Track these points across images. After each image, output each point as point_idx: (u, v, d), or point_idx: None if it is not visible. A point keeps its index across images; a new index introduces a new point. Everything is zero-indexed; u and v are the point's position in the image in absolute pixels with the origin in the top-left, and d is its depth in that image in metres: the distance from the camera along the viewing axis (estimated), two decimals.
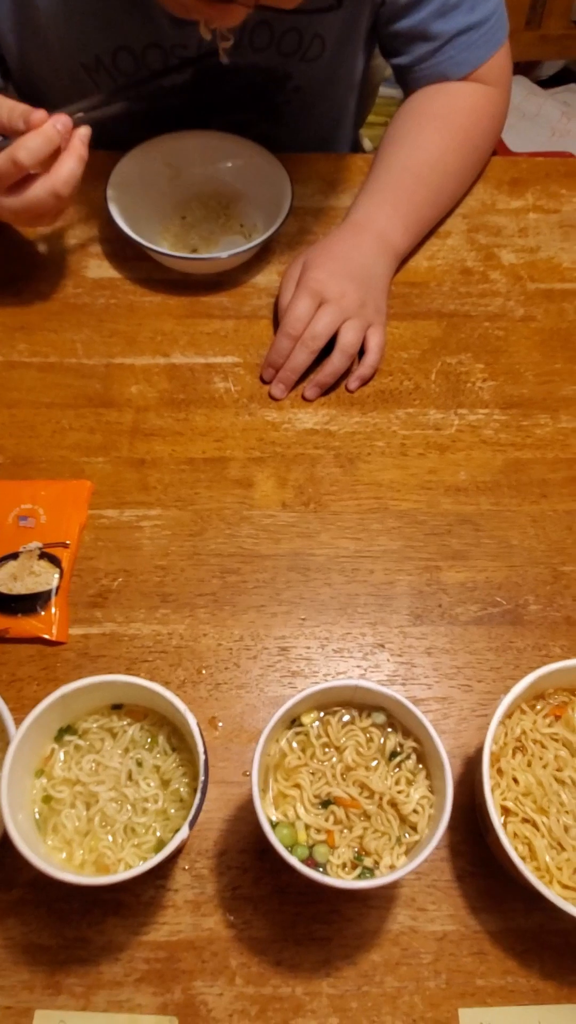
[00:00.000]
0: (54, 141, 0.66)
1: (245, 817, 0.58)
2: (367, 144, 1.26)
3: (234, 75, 0.85)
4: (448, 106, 0.85)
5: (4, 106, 0.66)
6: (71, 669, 0.63)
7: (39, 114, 0.66)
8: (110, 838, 0.50)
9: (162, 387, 0.77)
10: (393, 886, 0.56)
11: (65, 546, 0.67)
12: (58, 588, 0.65)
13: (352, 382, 0.77)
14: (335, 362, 0.75)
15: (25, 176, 0.67)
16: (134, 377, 0.77)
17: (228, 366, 0.78)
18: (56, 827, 0.51)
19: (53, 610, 0.64)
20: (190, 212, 0.87)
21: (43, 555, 0.66)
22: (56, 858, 0.50)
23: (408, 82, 0.88)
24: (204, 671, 0.63)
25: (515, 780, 0.53)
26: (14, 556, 0.66)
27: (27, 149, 0.65)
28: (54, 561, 0.66)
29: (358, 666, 0.64)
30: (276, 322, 0.80)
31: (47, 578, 0.65)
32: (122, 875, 0.46)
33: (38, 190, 0.67)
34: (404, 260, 0.84)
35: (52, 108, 0.78)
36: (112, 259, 0.84)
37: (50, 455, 0.73)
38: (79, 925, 0.54)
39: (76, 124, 0.69)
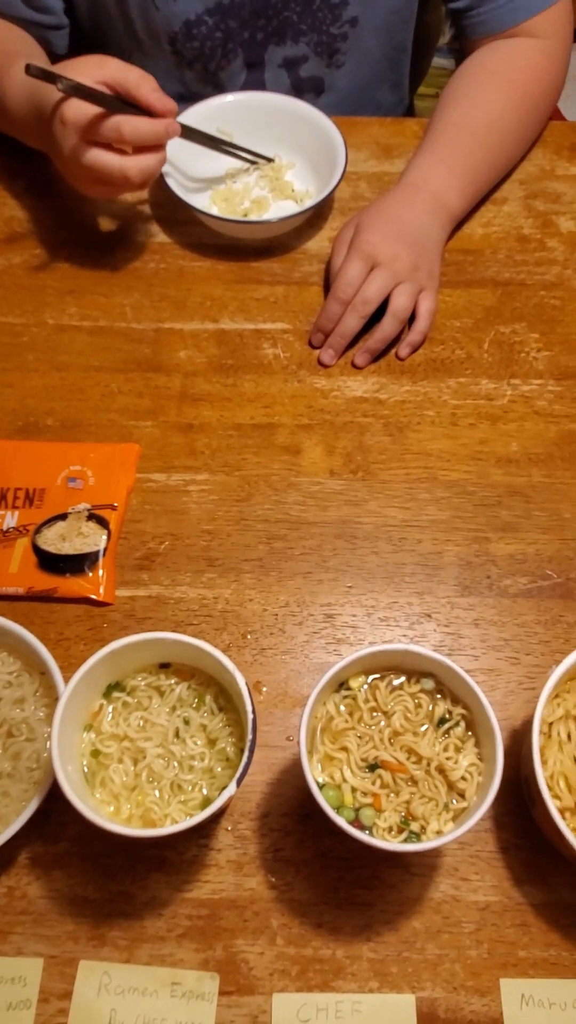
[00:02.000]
0: (160, 139, 0.68)
1: (288, 781, 0.58)
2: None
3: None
4: (506, 63, 0.82)
5: (134, 73, 0.67)
6: (117, 630, 0.64)
7: (171, 104, 0.68)
8: (157, 793, 0.51)
9: (211, 352, 0.76)
10: (436, 854, 0.56)
11: (113, 508, 0.67)
12: (105, 550, 0.65)
13: (403, 349, 0.75)
14: (386, 328, 0.74)
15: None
16: (183, 342, 0.77)
17: (277, 332, 0.77)
18: (104, 781, 0.51)
19: (100, 571, 0.64)
20: (241, 176, 0.86)
21: (91, 516, 0.67)
22: (104, 811, 0.50)
23: (465, 29, 0.85)
24: (249, 636, 0.63)
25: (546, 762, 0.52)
26: (63, 517, 0.67)
27: (134, 128, 0.66)
28: (102, 523, 0.66)
29: (404, 635, 0.64)
30: (327, 288, 0.79)
31: (95, 539, 0.65)
32: (169, 829, 0.46)
33: (114, 161, 0.68)
34: (459, 224, 0.82)
35: (116, 51, 0.77)
36: (162, 223, 0.84)
37: (99, 418, 0.73)
38: (123, 880, 0.55)
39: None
